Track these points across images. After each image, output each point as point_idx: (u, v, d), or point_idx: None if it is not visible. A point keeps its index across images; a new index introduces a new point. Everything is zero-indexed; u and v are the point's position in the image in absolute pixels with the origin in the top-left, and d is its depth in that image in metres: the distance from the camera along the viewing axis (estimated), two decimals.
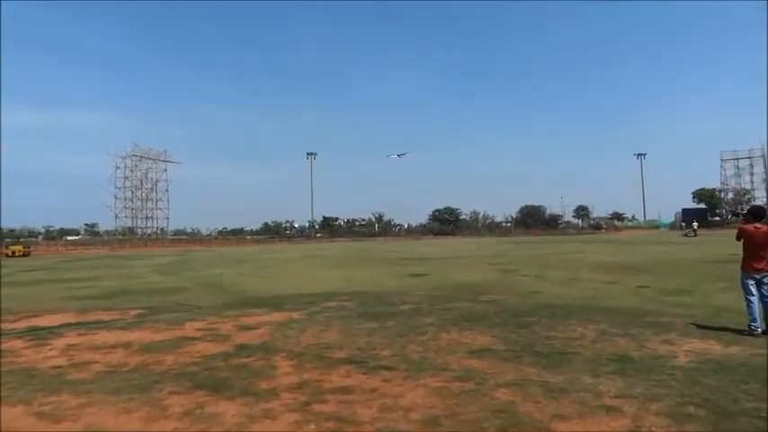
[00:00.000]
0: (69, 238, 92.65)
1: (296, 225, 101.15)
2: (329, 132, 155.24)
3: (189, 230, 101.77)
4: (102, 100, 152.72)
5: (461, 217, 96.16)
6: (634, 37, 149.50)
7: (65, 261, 36.18)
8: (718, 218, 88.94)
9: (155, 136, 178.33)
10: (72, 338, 8.03)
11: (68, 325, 9.28)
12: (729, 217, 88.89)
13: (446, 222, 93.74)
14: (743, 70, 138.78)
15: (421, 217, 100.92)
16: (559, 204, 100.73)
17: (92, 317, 10.22)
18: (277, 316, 9.68)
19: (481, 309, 9.94)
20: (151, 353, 6.88)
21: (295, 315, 9.71)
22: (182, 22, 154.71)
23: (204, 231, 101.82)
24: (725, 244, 32.43)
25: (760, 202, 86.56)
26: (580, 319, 8.50)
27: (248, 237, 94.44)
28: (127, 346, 7.39)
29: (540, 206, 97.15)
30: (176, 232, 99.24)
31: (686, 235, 53.06)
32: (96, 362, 6.48)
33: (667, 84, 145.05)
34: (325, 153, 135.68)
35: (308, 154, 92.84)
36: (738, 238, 7.58)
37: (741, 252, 7.53)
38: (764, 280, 7.23)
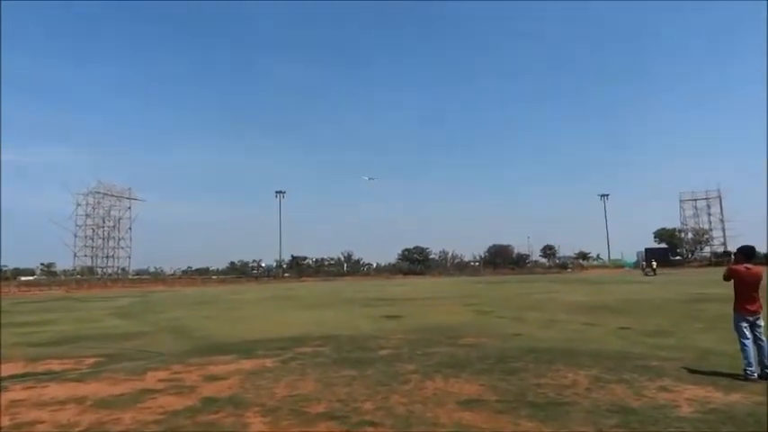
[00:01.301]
0: (24, 278, 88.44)
1: (263, 264, 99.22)
2: (298, 171, 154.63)
3: (152, 270, 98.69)
4: (63, 135, 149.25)
5: (431, 256, 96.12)
6: (597, 85, 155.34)
7: (17, 303, 34.20)
8: (679, 257, 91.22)
9: (119, 173, 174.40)
10: (17, 393, 7.21)
11: (14, 377, 8.41)
12: (690, 256, 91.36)
13: (415, 262, 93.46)
14: (699, 117, 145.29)
15: (390, 256, 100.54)
16: (526, 244, 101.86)
17: (42, 366, 9.34)
18: (247, 364, 9.01)
19: (463, 354, 9.49)
20: (107, 409, 6.17)
21: (267, 363, 9.06)
22: (150, 58, 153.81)
23: (168, 271, 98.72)
24: (689, 283, 33.14)
25: (718, 242, 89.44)
26: (568, 364, 8.14)
27: (214, 276, 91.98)
28: (80, 401, 6.64)
29: (508, 245, 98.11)
30: (138, 272, 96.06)
31: (646, 274, 54.02)
32: (43, 421, 5.74)
33: (628, 128, 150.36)
34: (294, 191, 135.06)
35: (276, 192, 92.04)
36: (727, 279, 7.42)
37: (732, 293, 7.36)
38: (758, 322, 7.04)
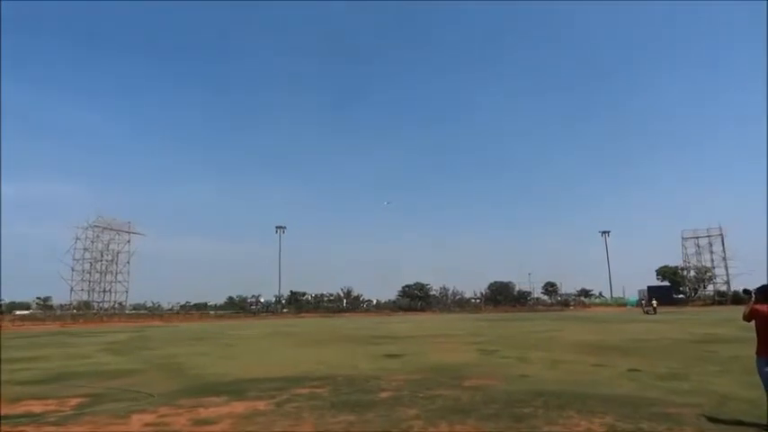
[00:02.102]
0: (19, 312, 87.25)
1: (262, 300, 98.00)
2: (298, 207, 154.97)
3: (149, 305, 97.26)
4: (65, 170, 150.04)
5: (431, 293, 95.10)
6: (601, 121, 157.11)
7: (10, 338, 33.43)
8: (681, 295, 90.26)
9: (120, 207, 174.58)
10: None
11: None
12: (692, 295, 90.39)
13: (416, 298, 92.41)
14: (700, 155, 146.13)
15: (390, 293, 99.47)
16: (528, 281, 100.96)
17: (22, 408, 8.82)
18: (239, 406, 8.49)
19: (468, 397, 8.97)
20: None
21: (260, 405, 8.55)
22: (151, 94, 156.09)
23: (165, 306, 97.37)
24: (695, 322, 32.48)
25: (720, 280, 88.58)
26: (579, 410, 7.65)
27: (212, 312, 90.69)
28: None
29: (509, 282, 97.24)
30: (135, 306, 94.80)
31: (646, 312, 53.31)
32: None
33: (630, 164, 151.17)
34: (295, 227, 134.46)
35: (277, 227, 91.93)
36: (748, 320, 6.99)
37: (755, 336, 6.92)
38: None
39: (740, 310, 7.02)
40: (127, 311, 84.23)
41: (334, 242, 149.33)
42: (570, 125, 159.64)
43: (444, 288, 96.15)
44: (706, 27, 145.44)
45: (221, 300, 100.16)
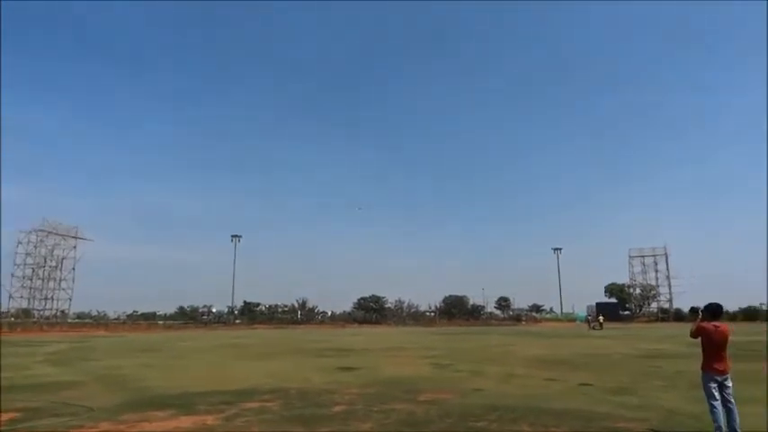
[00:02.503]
0: None
1: (214, 310, 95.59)
2: (254, 214, 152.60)
3: (94, 314, 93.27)
4: (8, 172, 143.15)
5: (386, 305, 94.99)
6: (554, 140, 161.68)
7: None
8: (628, 312, 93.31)
9: (69, 211, 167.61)
10: None
11: None
12: (638, 311, 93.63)
13: (371, 311, 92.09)
14: (649, 176, 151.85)
15: (345, 305, 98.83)
16: (481, 295, 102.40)
17: None
18: (186, 421, 8.12)
19: (423, 411, 8.88)
20: None
21: (209, 420, 8.20)
22: (99, 91, 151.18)
23: (111, 315, 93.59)
24: (641, 338, 33.55)
25: (664, 298, 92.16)
26: (533, 424, 7.68)
27: (160, 322, 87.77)
28: None
29: (464, 296, 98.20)
30: (79, 315, 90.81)
31: (593, 328, 54.93)
32: None
33: (583, 182, 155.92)
34: (250, 236, 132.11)
35: (232, 236, 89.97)
36: (695, 336, 7.20)
37: (700, 352, 7.12)
38: (726, 383, 6.79)
39: (682, 326, 7.26)
40: (69, 320, 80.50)
41: (291, 253, 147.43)
42: (525, 144, 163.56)
43: (399, 301, 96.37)
44: (653, 44, 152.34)
45: (171, 309, 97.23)
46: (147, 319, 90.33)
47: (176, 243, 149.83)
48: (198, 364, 18.88)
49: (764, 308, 76.15)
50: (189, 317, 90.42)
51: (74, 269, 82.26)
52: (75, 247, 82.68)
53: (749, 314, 73.06)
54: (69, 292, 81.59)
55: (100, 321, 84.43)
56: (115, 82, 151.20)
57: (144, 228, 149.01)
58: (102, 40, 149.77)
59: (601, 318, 59.10)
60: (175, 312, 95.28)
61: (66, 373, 15.98)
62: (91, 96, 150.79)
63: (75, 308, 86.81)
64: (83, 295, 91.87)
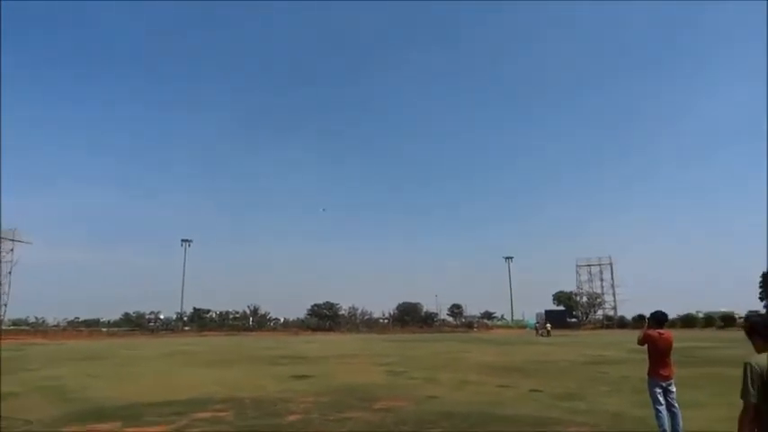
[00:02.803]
0: None
1: (161, 317, 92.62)
2: (206, 220, 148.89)
3: (32, 320, 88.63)
4: None
5: (340, 312, 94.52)
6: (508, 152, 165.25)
7: None
8: (575, 319, 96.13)
9: (6, 213, 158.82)
10: None
11: None
12: (584, 319, 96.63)
13: (324, 318, 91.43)
14: (599, 188, 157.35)
15: (299, 311, 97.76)
16: (435, 302, 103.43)
17: None
18: None
19: (378, 420, 8.87)
20: None
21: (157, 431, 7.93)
22: (43, 87, 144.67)
23: (51, 321, 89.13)
24: (587, 345, 34.62)
25: (609, 306, 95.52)
26: (487, 431, 7.79)
27: (104, 329, 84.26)
28: None
29: (417, 303, 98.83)
30: (15, 322, 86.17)
31: (540, 335, 56.47)
32: None
33: (534, 191, 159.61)
34: (202, 240, 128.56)
35: (182, 240, 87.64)
36: (642, 344, 7.50)
37: (647, 359, 7.42)
38: (670, 388, 7.10)
39: (625, 333, 7.56)
40: (5, 327, 76.25)
41: (243, 258, 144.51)
42: (477, 155, 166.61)
43: (353, 308, 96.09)
44: (610, 61, 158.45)
45: (116, 316, 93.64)
46: (90, 326, 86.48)
47: (122, 247, 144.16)
48: (145, 373, 18.22)
49: (701, 315, 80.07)
50: (135, 324, 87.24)
51: (10, 273, 78.23)
52: (11, 250, 78.69)
53: (687, 321, 76.63)
54: (5, 297, 77.54)
55: (38, 328, 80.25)
56: (61, 79, 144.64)
57: (88, 231, 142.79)
58: (50, 36, 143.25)
59: (548, 325, 60.82)
60: (120, 319, 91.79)
61: (2, 384, 15.12)
62: (33, 92, 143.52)
63: (11, 314, 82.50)
64: (20, 301, 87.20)
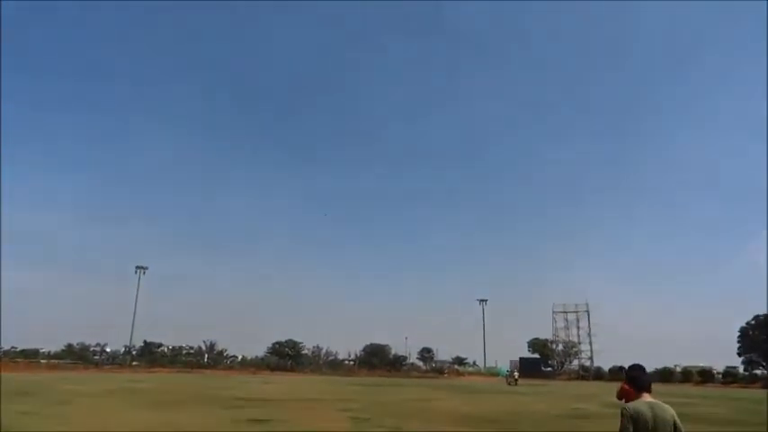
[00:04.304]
0: None
1: (108, 349, 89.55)
2: (164, 245, 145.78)
3: None
4: None
5: (303, 352, 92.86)
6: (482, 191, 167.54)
7: None
8: (550, 368, 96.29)
9: None
10: None
11: None
12: (560, 368, 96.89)
13: (286, 357, 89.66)
14: (576, 232, 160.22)
15: (258, 349, 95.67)
16: (404, 344, 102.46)
17: None
18: None
19: None
20: None
21: None
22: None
23: None
24: (562, 396, 34.64)
25: (585, 355, 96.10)
26: None
27: (43, 360, 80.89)
28: None
29: (386, 345, 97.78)
30: None
31: (509, 384, 56.54)
32: None
33: (511, 234, 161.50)
34: (157, 268, 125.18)
35: (137, 267, 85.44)
36: (620, 398, 7.47)
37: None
38: None
39: (601, 386, 7.51)
40: None
41: (201, 289, 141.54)
42: (452, 194, 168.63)
43: (317, 347, 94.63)
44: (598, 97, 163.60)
45: (58, 346, 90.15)
46: (28, 357, 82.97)
47: (68, 272, 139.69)
48: (86, 413, 17.43)
49: (679, 369, 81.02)
50: (78, 356, 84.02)
51: None
52: None
53: (664, 375, 77.43)
54: None
55: None
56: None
57: (29, 253, 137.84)
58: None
59: (516, 374, 61.05)
60: (62, 350, 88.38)
61: None
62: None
63: None
64: None
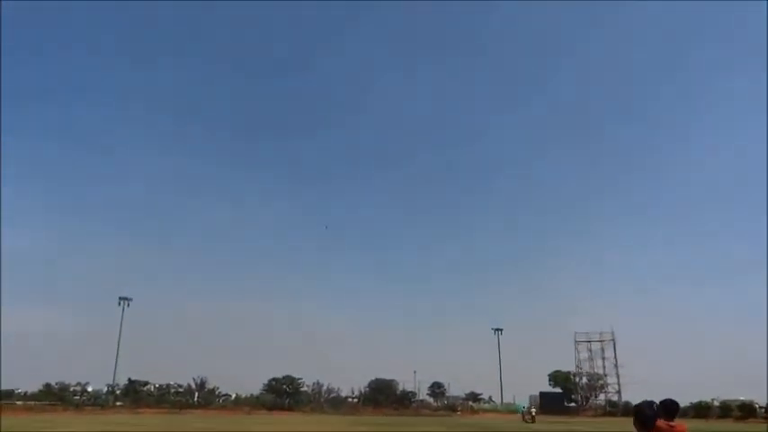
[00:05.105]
0: None
1: (89, 389, 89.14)
2: (150, 274, 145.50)
3: None
4: None
5: (302, 389, 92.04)
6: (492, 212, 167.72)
7: None
8: (573, 403, 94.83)
9: None
10: None
11: None
12: (584, 403, 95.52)
13: (283, 395, 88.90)
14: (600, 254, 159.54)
15: (253, 386, 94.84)
16: (413, 379, 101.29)
17: None
18: None
19: None
20: None
21: None
22: None
23: None
24: None
25: (612, 389, 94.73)
26: None
27: (19, 402, 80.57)
28: None
29: (392, 380, 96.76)
30: None
31: (525, 421, 55.82)
32: None
33: (526, 258, 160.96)
34: (143, 299, 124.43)
35: (120, 298, 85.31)
36: None
37: None
38: None
39: (631, 423, 7.36)
40: None
41: (191, 322, 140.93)
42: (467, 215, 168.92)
43: (318, 384, 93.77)
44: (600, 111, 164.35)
45: (35, 387, 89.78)
46: (3, 398, 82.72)
47: (47, 305, 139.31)
48: None
49: (716, 404, 79.64)
50: (57, 396, 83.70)
51: None
52: None
53: (700, 410, 76.23)
54: None
55: None
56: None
57: (6, 284, 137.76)
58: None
59: (533, 410, 60.17)
60: (40, 391, 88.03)
61: None
62: None
63: None
64: None
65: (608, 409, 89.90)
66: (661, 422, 7.17)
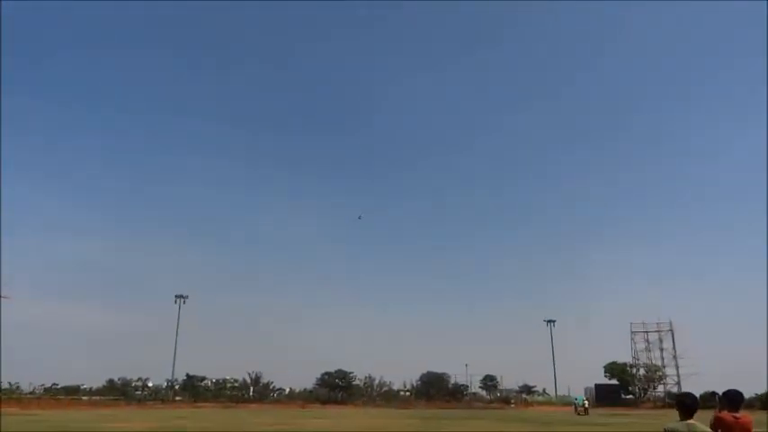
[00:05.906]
0: None
1: (150, 384, 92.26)
2: (206, 273, 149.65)
3: (5, 386, 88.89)
4: None
5: (354, 383, 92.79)
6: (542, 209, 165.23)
7: None
8: (631, 396, 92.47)
9: None
10: None
11: None
12: (642, 395, 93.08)
13: (336, 388, 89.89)
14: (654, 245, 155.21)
15: (307, 380, 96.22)
16: (465, 372, 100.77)
17: None
18: None
19: None
20: None
21: None
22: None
23: (26, 388, 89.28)
24: (647, 426, 33.30)
25: (671, 380, 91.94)
26: None
27: (85, 397, 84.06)
28: None
29: (444, 374, 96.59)
30: None
31: (578, 413, 54.84)
32: None
33: (579, 248, 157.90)
34: (198, 297, 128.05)
35: (176, 296, 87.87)
36: (714, 430, 7.14)
37: None
38: None
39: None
40: None
41: (245, 318, 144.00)
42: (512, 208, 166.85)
43: (370, 377, 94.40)
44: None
45: (99, 383, 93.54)
46: (69, 394, 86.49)
47: (109, 305, 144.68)
48: None
49: None
50: (120, 392, 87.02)
51: None
52: None
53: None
54: None
55: (11, 395, 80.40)
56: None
57: (72, 287, 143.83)
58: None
59: (586, 402, 59.10)
60: (104, 386, 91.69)
61: None
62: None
63: None
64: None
65: (667, 401, 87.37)
66: (725, 414, 6.99)
